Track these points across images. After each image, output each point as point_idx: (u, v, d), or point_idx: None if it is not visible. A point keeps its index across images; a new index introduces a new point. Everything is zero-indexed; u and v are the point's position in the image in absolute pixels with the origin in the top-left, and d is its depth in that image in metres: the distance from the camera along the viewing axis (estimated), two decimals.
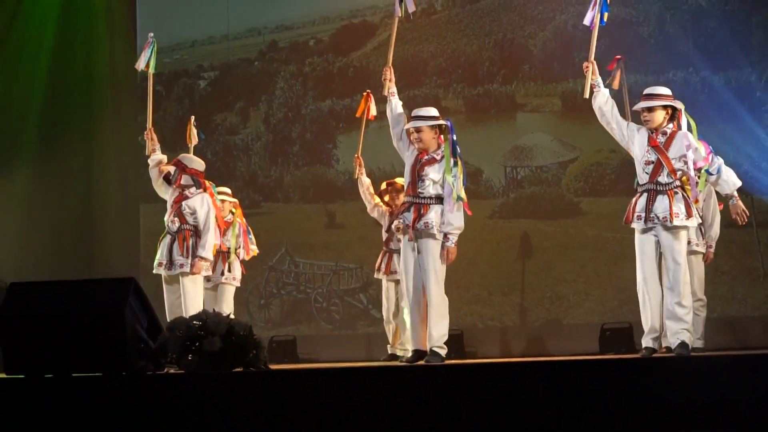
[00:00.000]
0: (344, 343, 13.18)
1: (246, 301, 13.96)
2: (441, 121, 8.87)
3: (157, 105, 15.34)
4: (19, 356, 7.03)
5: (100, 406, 6.51)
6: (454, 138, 8.80)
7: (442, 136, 8.86)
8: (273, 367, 7.44)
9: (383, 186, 10.90)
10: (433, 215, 8.79)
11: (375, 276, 10.98)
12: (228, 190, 11.32)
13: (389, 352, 10.77)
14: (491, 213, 13.24)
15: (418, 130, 8.82)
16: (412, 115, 8.95)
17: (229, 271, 10.99)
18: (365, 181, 10.84)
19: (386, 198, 10.83)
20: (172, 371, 7.08)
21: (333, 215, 14.03)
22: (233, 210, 11.18)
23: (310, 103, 14.60)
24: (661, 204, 8.16)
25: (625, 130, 8.42)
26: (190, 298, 9.95)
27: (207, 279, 10.80)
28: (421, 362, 8.54)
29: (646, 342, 8.24)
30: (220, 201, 11.00)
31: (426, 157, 8.84)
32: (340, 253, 13.69)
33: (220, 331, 6.90)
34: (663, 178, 8.20)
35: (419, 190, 8.80)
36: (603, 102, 8.50)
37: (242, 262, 11.09)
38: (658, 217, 8.14)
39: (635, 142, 8.35)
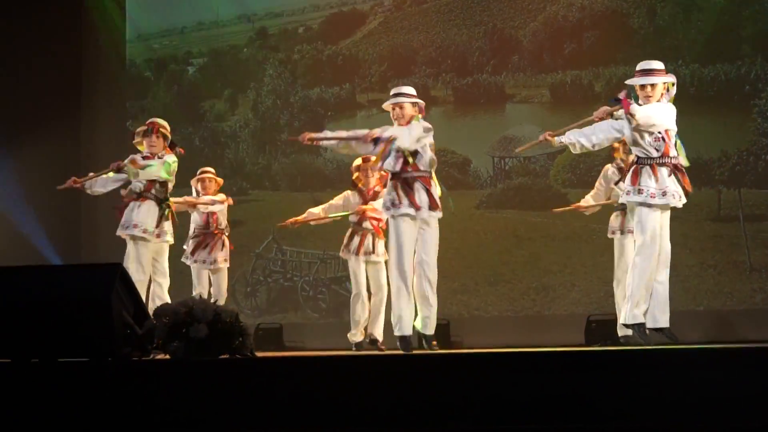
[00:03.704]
0: (330, 331, 13.15)
1: (233, 289, 13.94)
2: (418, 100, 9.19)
3: (146, 91, 15.38)
4: (4, 341, 7.01)
5: (86, 392, 6.50)
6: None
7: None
8: (259, 354, 7.43)
9: (358, 162, 10.79)
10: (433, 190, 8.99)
11: (342, 255, 10.95)
12: (211, 170, 11.61)
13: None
14: (478, 203, 13.25)
15: (400, 106, 9.10)
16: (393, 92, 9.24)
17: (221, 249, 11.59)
18: (315, 212, 10.88)
19: (355, 175, 10.75)
20: (158, 357, 7.07)
21: (320, 203, 13.99)
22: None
23: (299, 91, 14.58)
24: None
25: (615, 131, 8.41)
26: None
27: (213, 271, 11.59)
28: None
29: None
30: (206, 180, 11.36)
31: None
32: (328, 241, 13.64)
33: (206, 318, 6.89)
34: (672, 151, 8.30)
35: (420, 165, 8.93)
36: (581, 146, 8.53)
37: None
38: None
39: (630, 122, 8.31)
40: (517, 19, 13.48)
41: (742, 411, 5.73)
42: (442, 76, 13.79)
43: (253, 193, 14.55)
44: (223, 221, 11.53)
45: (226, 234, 11.57)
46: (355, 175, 10.79)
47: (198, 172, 11.64)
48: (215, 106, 15.07)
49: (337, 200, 10.90)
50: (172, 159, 10.17)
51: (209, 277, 11.59)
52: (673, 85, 8.42)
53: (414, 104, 9.10)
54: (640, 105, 8.29)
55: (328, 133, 9.26)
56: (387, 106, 9.17)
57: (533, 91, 13.30)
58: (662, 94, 8.35)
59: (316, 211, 10.89)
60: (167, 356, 6.95)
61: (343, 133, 9.16)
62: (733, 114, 12.08)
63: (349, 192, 10.83)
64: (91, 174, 10.39)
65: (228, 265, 11.67)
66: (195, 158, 14.61)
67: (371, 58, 14.28)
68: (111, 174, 10.23)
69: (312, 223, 10.99)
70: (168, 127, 10.35)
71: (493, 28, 13.61)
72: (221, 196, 11.50)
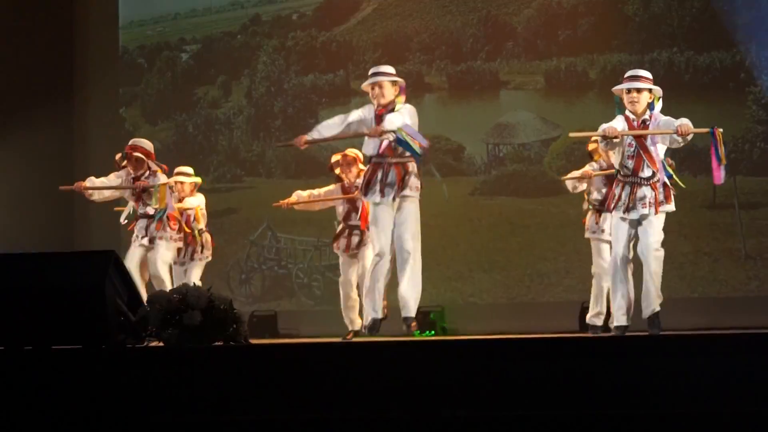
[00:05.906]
0: (325, 318, 13.13)
1: (227, 276, 13.95)
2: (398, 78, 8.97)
3: (139, 78, 15.35)
4: None
5: (80, 379, 6.49)
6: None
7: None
8: (253, 341, 7.42)
9: (335, 158, 10.62)
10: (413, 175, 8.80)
11: (335, 251, 10.73)
12: (188, 170, 11.25)
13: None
14: (473, 190, 13.24)
15: (380, 85, 8.88)
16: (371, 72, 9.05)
17: (202, 252, 11.19)
18: (303, 195, 10.66)
19: (337, 171, 10.57)
20: (152, 345, 7.06)
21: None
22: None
23: (293, 78, 14.55)
24: (644, 195, 8.11)
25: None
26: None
27: (181, 263, 11.13)
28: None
29: (625, 320, 8.24)
30: (179, 183, 11.00)
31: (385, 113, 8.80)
32: (322, 228, 13.62)
33: (200, 305, 6.88)
34: (644, 173, 8.13)
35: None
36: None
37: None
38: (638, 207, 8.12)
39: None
40: (511, 5, 13.45)
41: (737, 397, 5.74)
42: (436, 62, 13.76)
43: (247, 180, 14.52)
44: (199, 222, 11.16)
45: (200, 233, 11.18)
46: (337, 170, 10.58)
47: (174, 172, 11.21)
48: (209, 92, 15.03)
49: (321, 191, 10.67)
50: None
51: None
52: (659, 99, 8.24)
53: (393, 83, 8.91)
54: (625, 111, 8.20)
55: (324, 133, 8.97)
56: (366, 86, 8.98)
57: (527, 78, 13.29)
58: (648, 104, 8.18)
59: (304, 194, 10.67)
60: (161, 343, 6.95)
61: (340, 130, 8.96)
62: (728, 101, 12.08)
63: (332, 187, 10.62)
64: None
65: (201, 261, 11.19)
66: (189, 145, 14.61)
67: (365, 44, 14.25)
68: None
69: (297, 208, 10.76)
70: (146, 145, 10.44)
71: (488, 14, 13.58)
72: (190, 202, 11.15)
